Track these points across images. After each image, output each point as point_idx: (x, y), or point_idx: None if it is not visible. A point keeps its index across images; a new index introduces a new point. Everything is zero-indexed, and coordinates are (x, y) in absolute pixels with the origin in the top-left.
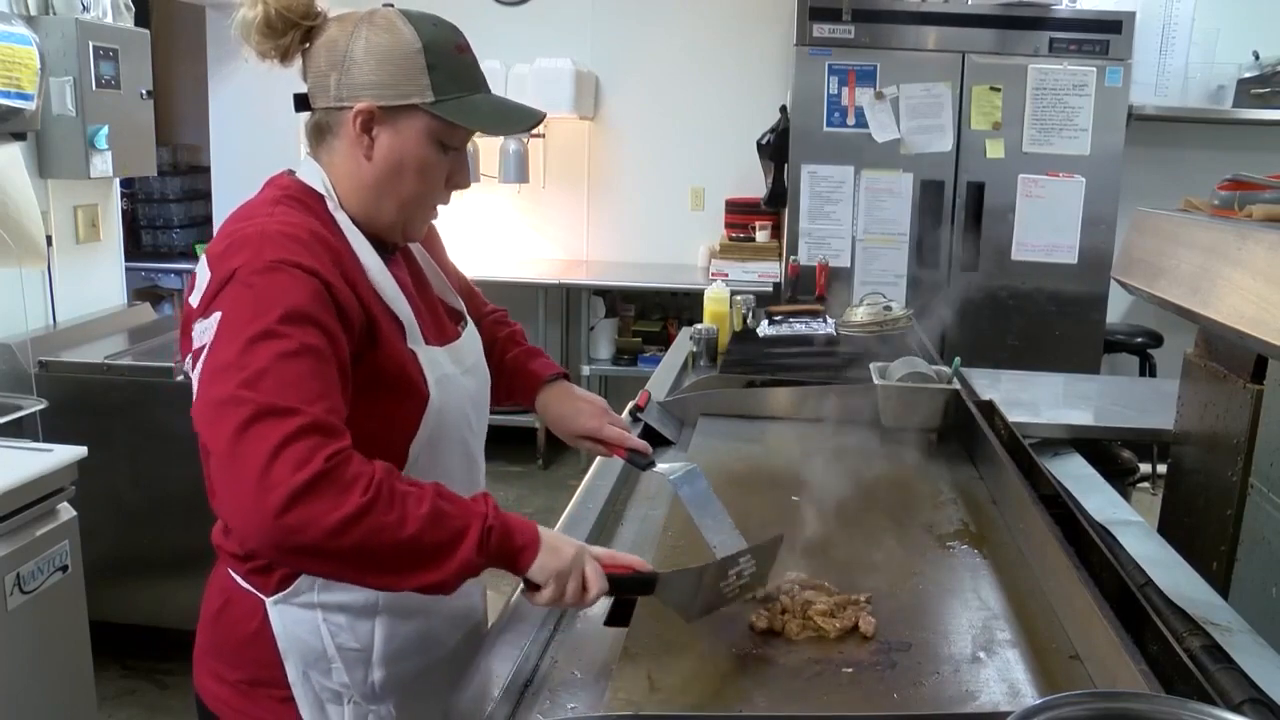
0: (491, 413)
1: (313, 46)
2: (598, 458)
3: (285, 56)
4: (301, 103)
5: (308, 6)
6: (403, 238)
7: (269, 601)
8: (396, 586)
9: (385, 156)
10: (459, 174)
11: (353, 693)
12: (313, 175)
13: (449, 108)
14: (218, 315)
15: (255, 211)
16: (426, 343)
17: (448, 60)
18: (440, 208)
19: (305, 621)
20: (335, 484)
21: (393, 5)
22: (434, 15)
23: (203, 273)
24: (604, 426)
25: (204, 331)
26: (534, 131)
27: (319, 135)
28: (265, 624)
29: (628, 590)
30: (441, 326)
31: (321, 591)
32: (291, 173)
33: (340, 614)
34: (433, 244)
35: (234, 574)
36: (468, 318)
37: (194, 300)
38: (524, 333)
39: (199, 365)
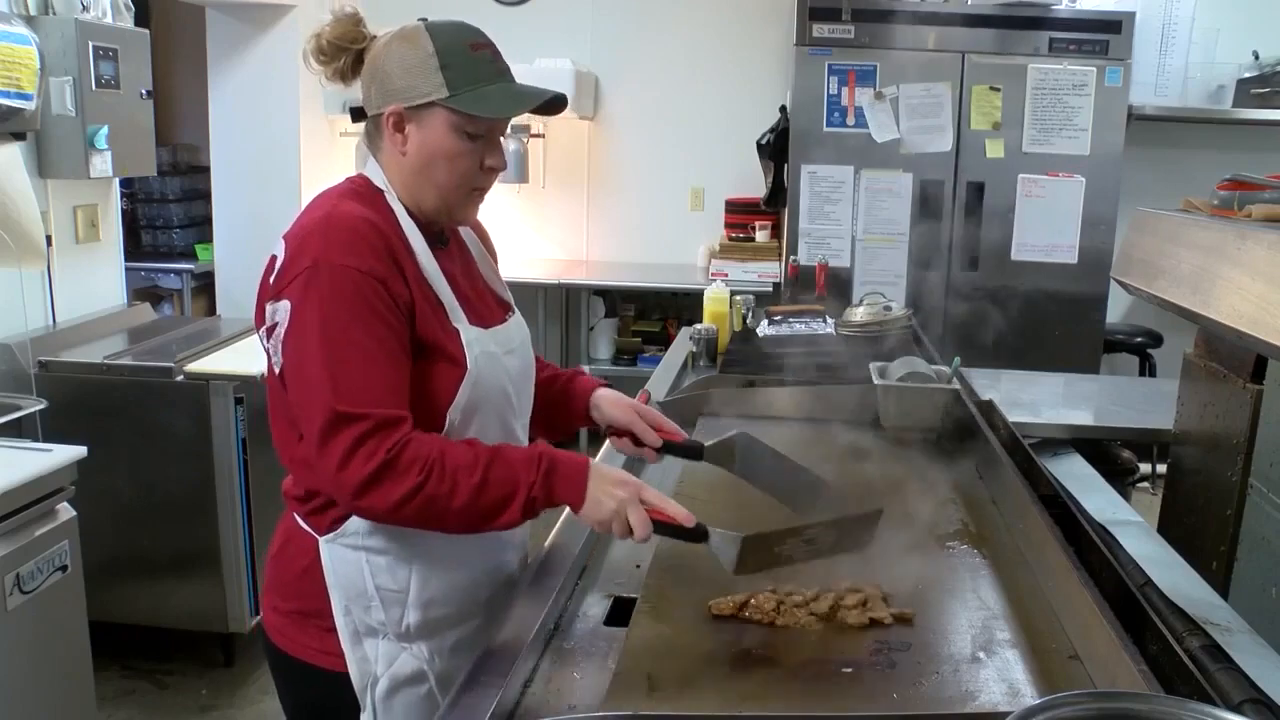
0: None
1: (363, 66)
2: (604, 447)
3: (344, 78)
4: (357, 114)
5: (355, 33)
6: (451, 220)
7: (321, 540)
8: (460, 533)
9: (417, 150)
10: (492, 157)
11: (388, 630)
12: (375, 174)
13: (462, 99)
14: (287, 304)
15: (325, 201)
16: (470, 323)
17: (461, 58)
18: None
19: (351, 561)
20: (394, 470)
21: (425, 19)
22: (456, 22)
23: (279, 253)
24: (663, 418)
25: (275, 313)
26: (533, 131)
27: (370, 139)
28: (316, 560)
29: (676, 537)
30: (488, 311)
31: (367, 535)
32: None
33: (381, 556)
34: (490, 248)
35: (296, 516)
36: (515, 309)
37: (271, 279)
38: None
39: (275, 342)
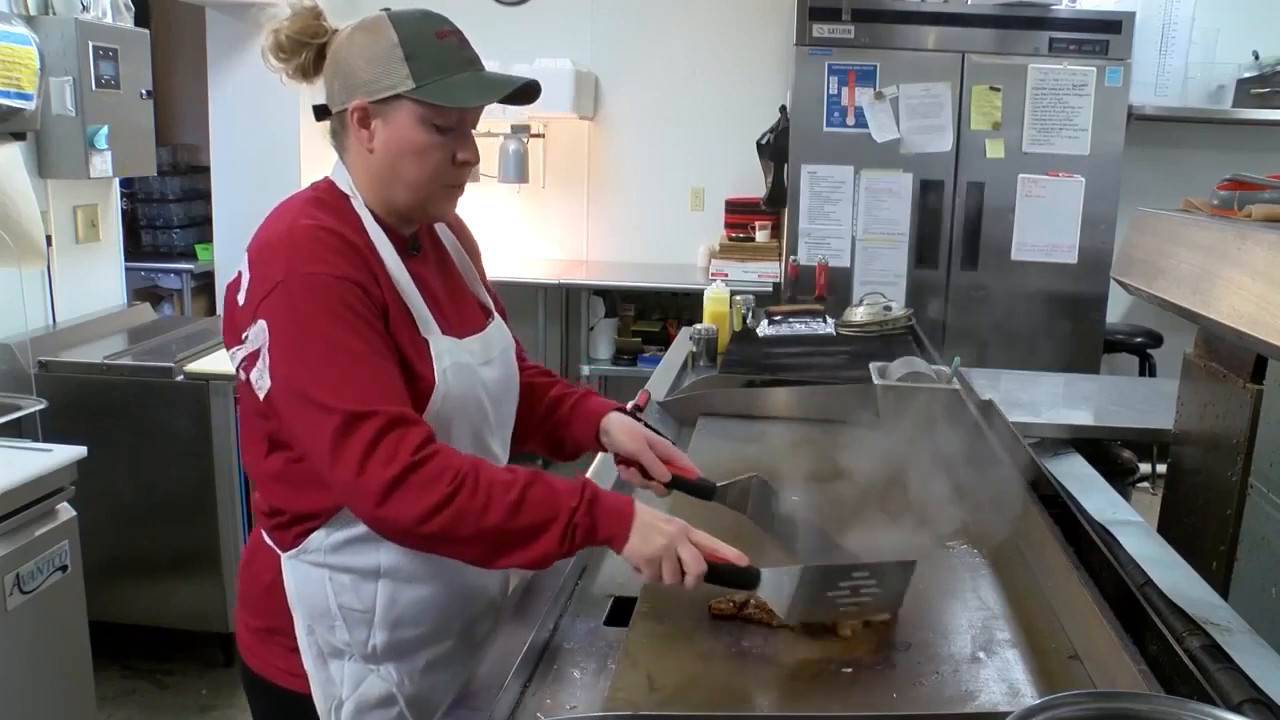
0: None
1: (325, 61)
2: (598, 458)
3: (306, 75)
4: (321, 112)
5: (315, 27)
6: (427, 218)
7: (283, 557)
8: (490, 565)
9: (384, 146)
10: (463, 151)
11: (353, 651)
12: (341, 177)
13: (429, 90)
14: (264, 324)
15: (288, 211)
16: (443, 333)
17: (426, 48)
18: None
19: (314, 579)
20: (421, 474)
21: (389, 9)
22: (420, 10)
23: (245, 271)
24: (675, 450)
25: (255, 337)
26: (533, 132)
27: (336, 138)
28: (279, 577)
29: (728, 582)
30: (465, 318)
31: (329, 553)
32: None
33: (345, 575)
34: (471, 247)
35: (262, 530)
36: (496, 313)
37: (240, 299)
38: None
39: (261, 366)
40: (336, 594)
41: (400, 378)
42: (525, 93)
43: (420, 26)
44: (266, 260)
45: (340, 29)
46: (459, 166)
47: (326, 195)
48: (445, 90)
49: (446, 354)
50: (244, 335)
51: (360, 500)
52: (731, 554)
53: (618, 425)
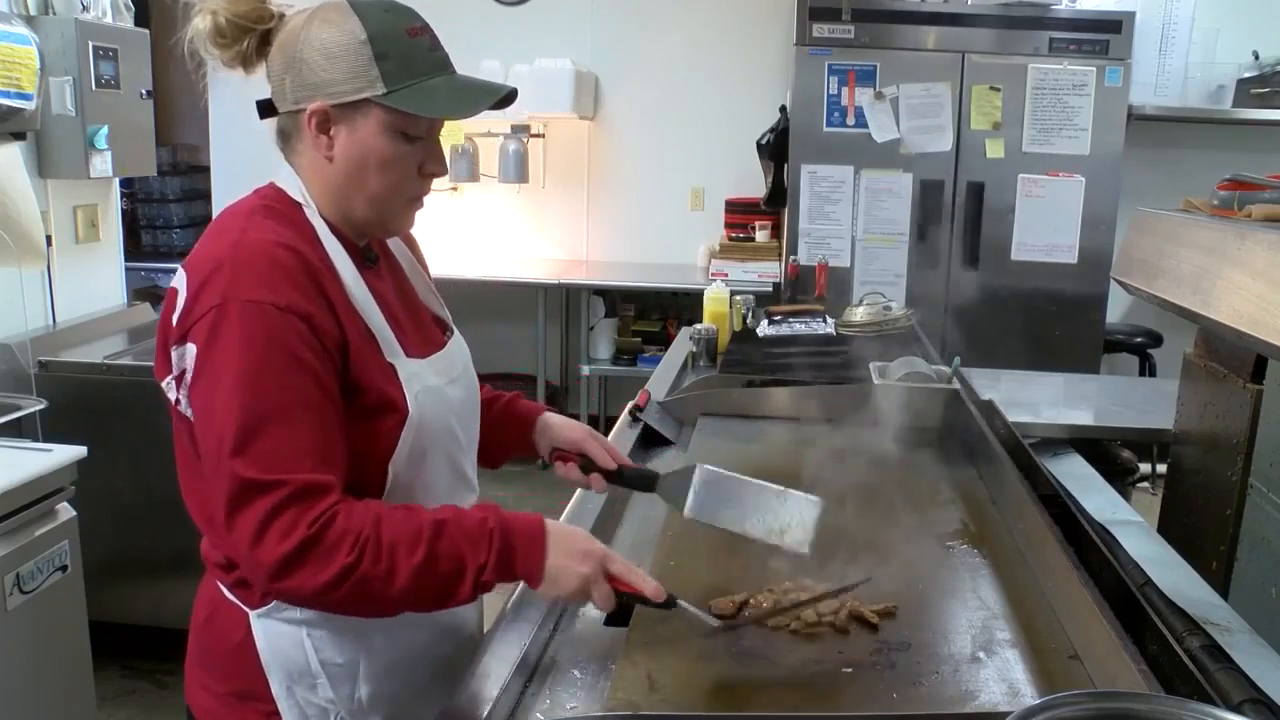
0: None
1: (270, 50)
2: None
3: (246, 64)
4: (266, 109)
5: (259, 11)
6: (384, 232)
7: (253, 615)
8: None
9: (346, 155)
10: (431, 162)
11: (339, 709)
12: (290, 183)
13: (402, 97)
14: (193, 349)
15: (233, 222)
16: (407, 355)
17: (398, 46)
18: (429, 202)
19: (289, 636)
20: (320, 548)
21: None
22: (387, 0)
23: (180, 287)
24: (614, 446)
25: (180, 358)
26: (533, 132)
27: (285, 140)
28: (250, 636)
29: (643, 605)
30: (426, 336)
31: (304, 608)
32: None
33: (325, 629)
34: (420, 256)
35: (220, 585)
36: (454, 327)
37: (174, 319)
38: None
39: (183, 391)
40: (317, 650)
41: (333, 429)
42: (503, 100)
43: (390, 20)
44: (207, 279)
45: (288, 14)
46: (425, 178)
47: (277, 203)
48: (421, 98)
49: (416, 378)
50: (173, 357)
51: (255, 572)
52: (649, 588)
53: (557, 421)
